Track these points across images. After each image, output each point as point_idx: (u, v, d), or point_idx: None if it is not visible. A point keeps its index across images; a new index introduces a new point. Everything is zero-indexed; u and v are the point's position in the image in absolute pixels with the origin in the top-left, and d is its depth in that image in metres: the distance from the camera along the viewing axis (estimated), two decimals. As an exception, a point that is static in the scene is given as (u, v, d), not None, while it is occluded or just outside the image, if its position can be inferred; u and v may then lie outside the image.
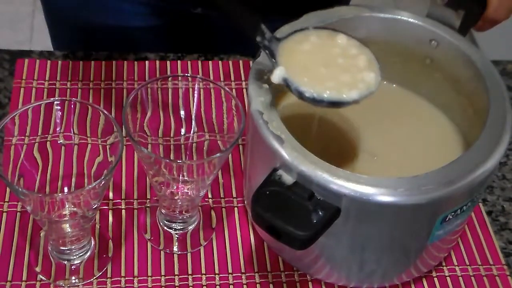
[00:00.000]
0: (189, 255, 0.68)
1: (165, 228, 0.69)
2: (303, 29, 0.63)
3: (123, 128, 0.60)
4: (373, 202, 0.56)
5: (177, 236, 0.69)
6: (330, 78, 0.60)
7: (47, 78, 0.81)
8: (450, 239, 0.67)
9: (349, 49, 0.62)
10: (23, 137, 0.63)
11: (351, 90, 0.59)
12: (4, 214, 0.69)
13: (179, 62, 0.85)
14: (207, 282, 0.66)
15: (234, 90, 0.82)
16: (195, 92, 0.66)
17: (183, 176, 0.63)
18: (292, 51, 0.61)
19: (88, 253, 0.66)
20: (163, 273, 0.66)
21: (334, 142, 0.69)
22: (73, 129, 0.64)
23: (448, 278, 0.69)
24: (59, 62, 0.82)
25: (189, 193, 0.66)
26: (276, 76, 0.60)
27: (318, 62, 0.61)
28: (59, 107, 0.63)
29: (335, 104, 0.60)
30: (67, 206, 0.61)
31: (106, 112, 0.62)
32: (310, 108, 0.71)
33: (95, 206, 0.61)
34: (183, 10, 0.89)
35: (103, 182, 0.58)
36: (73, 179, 0.68)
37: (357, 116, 0.71)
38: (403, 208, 0.58)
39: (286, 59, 0.61)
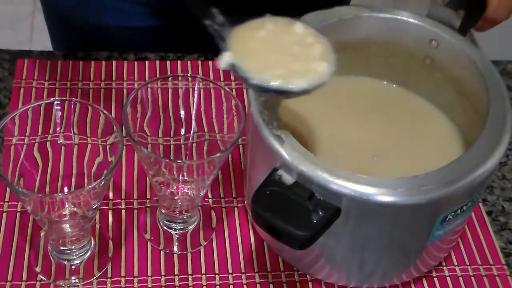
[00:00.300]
0: (189, 255, 0.68)
1: (165, 228, 0.69)
2: (261, 16, 0.61)
3: (123, 128, 0.60)
4: (373, 202, 0.56)
5: (177, 236, 0.69)
6: (280, 66, 0.57)
7: (47, 78, 0.81)
8: (450, 239, 0.67)
9: (305, 38, 0.59)
10: (23, 137, 0.63)
11: (300, 79, 0.57)
12: (4, 214, 0.69)
13: (179, 62, 0.85)
14: (207, 282, 0.66)
15: (234, 90, 0.82)
16: (195, 92, 0.66)
17: (183, 176, 0.63)
18: (245, 37, 0.59)
19: (88, 253, 0.66)
20: (163, 273, 0.66)
21: (334, 142, 0.69)
22: (73, 129, 0.64)
23: (448, 278, 0.69)
24: (59, 62, 0.82)
25: (189, 193, 0.66)
26: (223, 61, 0.58)
27: (270, 49, 0.58)
28: (59, 107, 0.63)
29: (282, 93, 0.57)
30: (67, 206, 0.61)
31: (106, 112, 0.62)
32: (311, 108, 0.72)
33: (95, 206, 0.61)
34: (182, 10, 0.89)
35: (103, 182, 0.58)
36: (73, 179, 0.68)
37: (357, 116, 0.71)
38: (403, 208, 0.58)
39: (237, 45, 0.58)
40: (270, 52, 0.58)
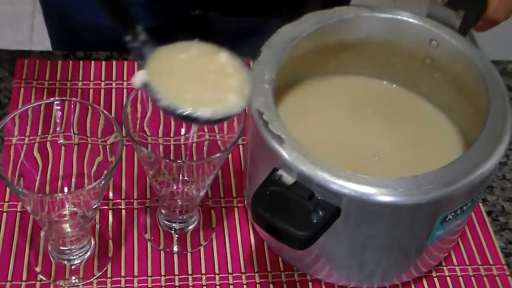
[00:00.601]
0: (189, 255, 0.68)
1: (165, 228, 0.69)
2: (189, 40, 0.61)
3: (123, 128, 0.60)
4: (373, 202, 0.56)
5: (177, 236, 0.69)
6: (192, 92, 0.57)
7: (47, 78, 0.81)
8: (450, 239, 0.67)
9: (226, 68, 0.59)
10: (23, 137, 0.63)
11: (207, 108, 0.55)
12: (4, 214, 0.69)
13: (179, 62, 0.84)
14: (207, 282, 0.66)
15: (234, 90, 0.82)
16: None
17: (183, 176, 0.63)
18: (165, 58, 0.59)
19: (88, 253, 0.66)
20: (163, 273, 0.66)
21: (333, 142, 0.69)
22: (73, 129, 0.64)
23: (448, 278, 0.69)
24: (59, 62, 0.82)
25: (189, 193, 0.66)
26: (137, 79, 0.57)
27: (187, 74, 0.58)
28: (59, 107, 0.63)
29: (188, 119, 0.56)
30: (67, 206, 0.61)
31: (106, 112, 0.62)
32: (311, 108, 0.72)
33: (95, 206, 0.61)
34: (182, 11, 0.89)
35: (103, 182, 0.58)
36: (73, 179, 0.68)
37: (357, 116, 0.71)
38: (403, 208, 0.58)
39: (156, 65, 0.58)
40: (186, 77, 0.58)
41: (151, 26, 0.90)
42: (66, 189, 0.67)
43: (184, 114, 0.55)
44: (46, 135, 0.64)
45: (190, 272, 0.67)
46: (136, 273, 0.66)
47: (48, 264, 0.66)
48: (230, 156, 0.76)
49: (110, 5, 0.58)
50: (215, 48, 0.60)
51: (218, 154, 0.62)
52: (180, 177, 0.63)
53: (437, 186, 0.57)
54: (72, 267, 0.66)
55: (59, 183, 0.67)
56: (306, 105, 0.71)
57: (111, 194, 0.71)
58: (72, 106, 0.63)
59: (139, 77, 0.57)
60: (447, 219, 0.60)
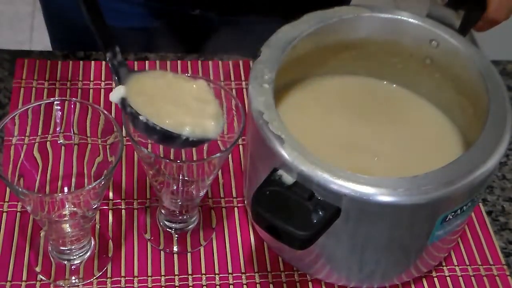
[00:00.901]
0: (189, 255, 0.68)
1: (165, 228, 0.69)
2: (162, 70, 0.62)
3: (123, 128, 0.60)
4: (373, 202, 0.56)
5: (177, 236, 0.69)
6: (171, 115, 0.58)
7: (47, 78, 0.81)
8: (450, 239, 0.67)
9: (204, 95, 0.60)
10: (23, 137, 0.63)
11: (186, 128, 0.57)
12: (4, 214, 0.69)
13: (179, 62, 0.85)
14: (207, 282, 0.66)
15: (234, 90, 0.82)
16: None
17: (183, 176, 0.63)
18: (145, 82, 0.60)
19: (88, 253, 0.66)
20: (163, 273, 0.66)
21: (333, 142, 0.69)
22: (73, 129, 0.64)
23: (448, 278, 0.69)
24: (59, 62, 0.82)
25: (189, 193, 0.66)
26: (115, 94, 0.58)
27: (167, 98, 0.59)
28: (59, 107, 0.63)
29: (166, 137, 0.57)
30: (67, 206, 0.61)
31: (106, 112, 0.62)
32: (311, 108, 0.72)
33: (95, 206, 0.61)
34: (182, 11, 0.89)
35: (103, 182, 0.58)
36: (73, 179, 0.68)
37: (357, 116, 0.71)
38: (403, 208, 0.58)
39: (135, 86, 0.59)
40: (165, 101, 0.59)
41: (151, 25, 0.91)
42: (66, 189, 0.67)
43: (163, 130, 0.57)
44: (46, 135, 0.64)
45: (190, 272, 0.67)
46: (136, 273, 0.66)
47: (48, 264, 0.66)
48: (230, 156, 0.76)
49: (96, 23, 0.61)
50: (191, 76, 0.61)
51: (218, 154, 0.62)
52: (180, 177, 0.63)
53: (437, 186, 0.57)
54: (72, 267, 0.66)
55: (59, 183, 0.67)
56: (306, 105, 0.71)
57: (111, 194, 0.71)
58: (72, 106, 0.63)
59: (117, 92, 0.58)
60: (447, 219, 0.60)
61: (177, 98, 0.59)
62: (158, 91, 0.59)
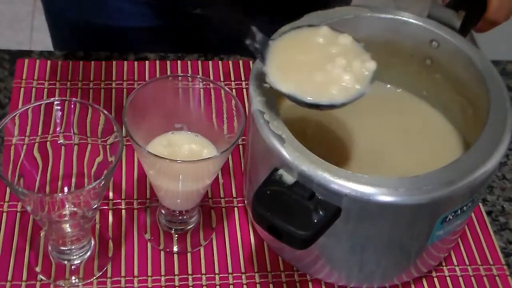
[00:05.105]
0: (189, 255, 0.68)
1: (165, 228, 0.69)
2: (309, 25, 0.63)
3: (123, 128, 0.60)
4: (374, 202, 0.56)
5: (177, 236, 0.69)
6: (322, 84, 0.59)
7: (47, 78, 0.81)
8: (450, 239, 0.67)
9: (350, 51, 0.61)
10: (23, 137, 0.63)
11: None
12: (4, 214, 0.69)
13: (179, 62, 0.85)
14: (207, 282, 0.66)
15: (234, 90, 0.82)
16: (195, 92, 0.66)
17: (183, 176, 0.63)
18: (287, 51, 0.60)
19: (88, 253, 0.66)
20: (163, 273, 0.66)
21: (334, 142, 0.69)
22: (73, 129, 0.64)
23: (448, 278, 0.69)
24: (59, 62, 0.82)
25: (188, 193, 0.66)
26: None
27: (312, 65, 0.60)
28: (59, 107, 0.63)
29: (322, 106, 0.59)
30: (67, 206, 0.61)
31: (106, 112, 0.62)
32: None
33: (95, 206, 0.61)
34: (182, 10, 0.89)
35: (103, 182, 0.58)
36: (73, 179, 0.68)
37: (357, 116, 0.71)
38: (403, 208, 0.58)
39: (280, 59, 0.60)
40: (312, 69, 0.60)
41: (152, 25, 0.91)
42: (66, 189, 0.67)
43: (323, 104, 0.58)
44: (46, 135, 0.64)
45: (190, 272, 0.67)
46: (136, 273, 0.66)
47: (48, 264, 0.66)
48: (230, 156, 0.76)
49: (227, 13, 0.63)
50: (335, 31, 0.62)
51: (218, 154, 0.62)
52: (180, 177, 0.63)
53: (437, 186, 0.57)
54: (72, 267, 0.66)
55: (59, 183, 0.67)
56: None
57: (111, 194, 0.71)
58: (72, 106, 0.63)
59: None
60: (447, 219, 0.60)
61: (323, 61, 0.60)
62: (301, 57, 0.60)
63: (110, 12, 0.88)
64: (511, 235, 0.73)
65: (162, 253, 0.68)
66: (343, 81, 0.59)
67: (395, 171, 0.66)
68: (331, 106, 0.59)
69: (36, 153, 0.64)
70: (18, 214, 0.69)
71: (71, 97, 0.78)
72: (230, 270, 0.67)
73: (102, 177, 0.58)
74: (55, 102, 0.63)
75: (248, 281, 0.67)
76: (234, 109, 0.63)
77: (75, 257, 0.66)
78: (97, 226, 0.69)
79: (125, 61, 0.84)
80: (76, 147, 0.66)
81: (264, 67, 0.60)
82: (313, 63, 0.60)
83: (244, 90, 0.82)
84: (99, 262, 0.66)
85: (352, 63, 0.60)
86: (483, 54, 0.67)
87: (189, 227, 0.70)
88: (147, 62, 0.84)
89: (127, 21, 0.88)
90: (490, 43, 1.61)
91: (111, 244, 0.68)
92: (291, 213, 0.56)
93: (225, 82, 0.83)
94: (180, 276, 0.66)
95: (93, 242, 0.67)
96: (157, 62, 0.84)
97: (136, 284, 0.65)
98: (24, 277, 0.65)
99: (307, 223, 0.56)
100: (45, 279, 0.65)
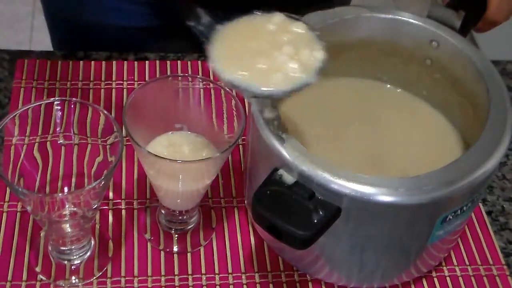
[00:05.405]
0: (189, 255, 0.68)
1: (165, 228, 0.69)
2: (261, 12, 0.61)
3: (123, 128, 0.60)
4: (374, 202, 0.56)
5: (177, 236, 0.69)
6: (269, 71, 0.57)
7: (47, 78, 0.81)
8: (450, 239, 0.67)
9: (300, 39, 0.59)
10: (23, 137, 0.63)
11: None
12: (4, 214, 0.69)
13: (179, 62, 0.85)
14: (207, 282, 0.66)
15: (234, 90, 0.82)
16: (195, 92, 0.66)
17: (182, 176, 0.63)
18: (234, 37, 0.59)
19: (88, 253, 0.66)
20: (163, 273, 0.66)
21: (334, 142, 0.69)
22: (73, 129, 0.64)
23: (448, 278, 0.69)
24: (59, 62, 0.82)
25: (188, 193, 0.66)
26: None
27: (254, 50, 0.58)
28: (59, 107, 0.63)
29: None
30: (67, 206, 0.61)
31: (106, 112, 0.62)
32: (311, 108, 0.72)
33: (95, 206, 0.61)
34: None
35: (103, 182, 0.58)
36: (73, 179, 0.68)
37: (357, 116, 0.71)
38: (403, 208, 0.58)
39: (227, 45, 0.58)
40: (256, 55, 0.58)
41: (152, 25, 0.91)
42: (66, 189, 0.67)
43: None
44: (46, 135, 0.64)
45: (190, 272, 0.67)
46: (136, 273, 0.66)
47: (48, 264, 0.66)
48: (230, 156, 0.76)
49: None
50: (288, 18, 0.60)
51: (218, 154, 0.62)
52: (180, 177, 0.63)
53: (437, 186, 0.57)
54: (72, 267, 0.66)
55: (59, 183, 0.67)
56: (306, 105, 0.71)
57: (111, 194, 0.71)
58: (72, 106, 0.63)
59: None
60: (447, 219, 0.60)
61: (270, 46, 0.58)
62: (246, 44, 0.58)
63: (109, 12, 0.88)
64: (511, 235, 0.73)
65: (162, 253, 0.68)
66: (288, 69, 0.57)
67: (395, 171, 0.66)
68: (271, 95, 0.57)
69: (36, 153, 0.64)
70: (18, 214, 0.69)
71: (71, 97, 0.78)
72: (230, 270, 0.67)
73: (102, 177, 0.58)
74: (55, 102, 0.63)
75: (248, 281, 0.67)
76: (234, 109, 0.63)
77: (75, 257, 0.66)
78: (97, 226, 0.69)
79: (125, 61, 0.84)
80: (76, 147, 0.66)
81: (208, 52, 0.58)
82: (260, 50, 0.58)
83: (244, 90, 0.82)
84: (99, 262, 0.66)
85: (300, 52, 0.58)
86: (483, 54, 0.67)
87: (189, 227, 0.70)
88: (147, 62, 0.84)
89: (127, 21, 0.88)
90: (490, 43, 1.61)
91: (111, 244, 0.68)
92: (291, 213, 0.56)
93: (225, 82, 0.83)
94: (180, 276, 0.66)
95: (93, 242, 0.67)
96: (157, 62, 0.84)
97: (136, 284, 0.65)
98: (24, 277, 0.65)
99: (307, 223, 0.56)
100: (45, 279, 0.65)
